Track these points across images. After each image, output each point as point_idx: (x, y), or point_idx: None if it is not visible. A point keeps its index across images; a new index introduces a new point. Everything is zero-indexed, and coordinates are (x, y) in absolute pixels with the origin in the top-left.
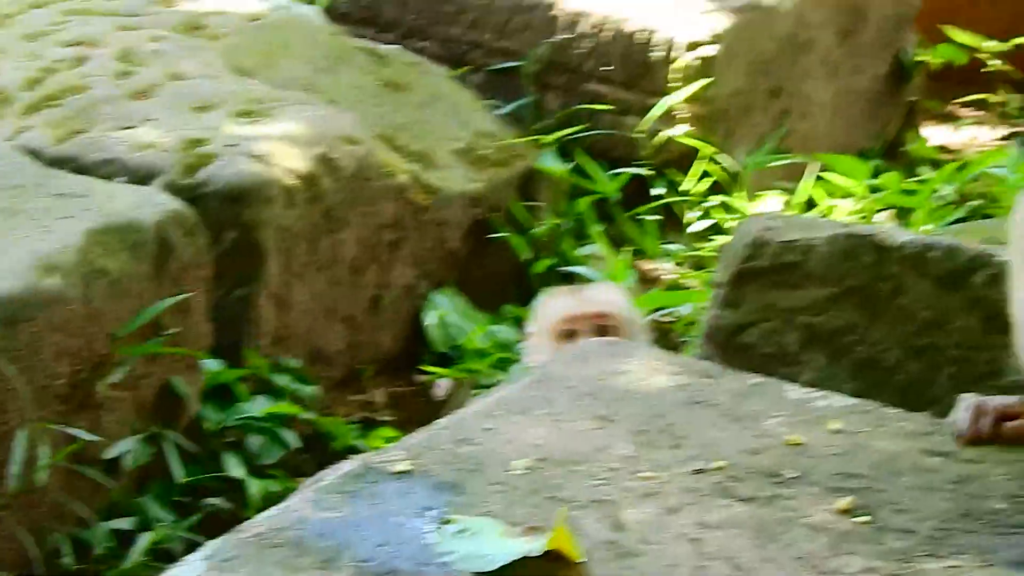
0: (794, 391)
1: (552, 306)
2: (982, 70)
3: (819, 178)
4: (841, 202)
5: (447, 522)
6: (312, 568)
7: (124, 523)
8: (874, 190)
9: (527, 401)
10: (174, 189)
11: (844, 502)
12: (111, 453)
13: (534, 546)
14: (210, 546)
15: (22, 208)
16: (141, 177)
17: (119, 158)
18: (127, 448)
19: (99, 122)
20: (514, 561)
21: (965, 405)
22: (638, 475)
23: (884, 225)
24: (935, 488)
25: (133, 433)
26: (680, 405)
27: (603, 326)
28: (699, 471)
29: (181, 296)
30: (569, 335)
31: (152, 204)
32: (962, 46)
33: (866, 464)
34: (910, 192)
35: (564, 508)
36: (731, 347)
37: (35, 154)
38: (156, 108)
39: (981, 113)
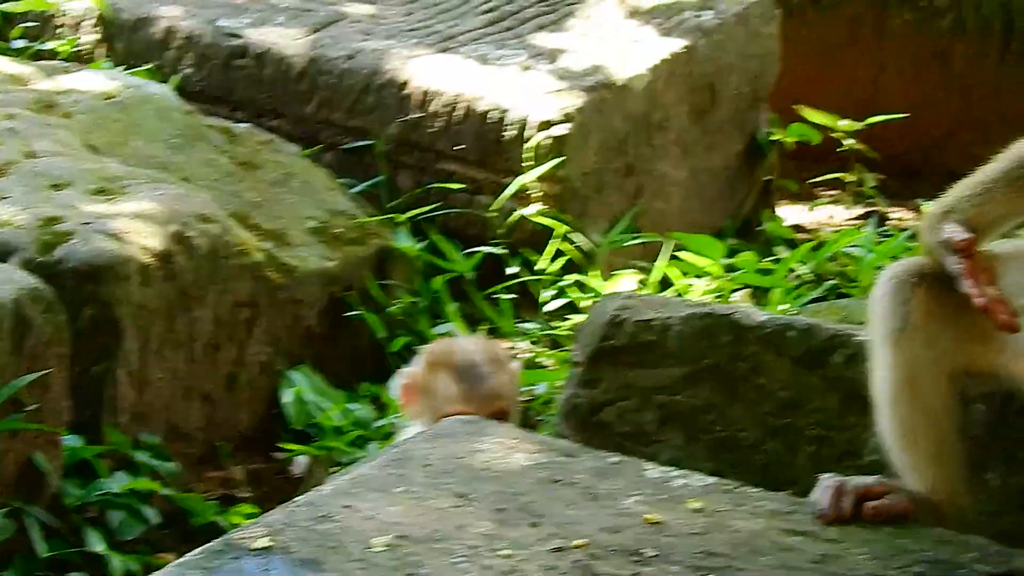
0: (653, 470)
1: (442, 387)
2: (837, 150)
3: (674, 257)
4: (697, 281)
5: None
6: None
7: None
8: (730, 269)
9: (385, 479)
10: (31, 266)
11: None
12: None
13: None
14: None
15: None
16: None
17: None
18: None
19: None
20: None
21: (825, 485)
22: (498, 553)
23: (741, 304)
24: (796, 567)
25: None
26: (539, 483)
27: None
28: (559, 549)
29: (40, 373)
30: (464, 369)
31: (9, 281)
32: (816, 125)
33: (727, 543)
34: (766, 271)
35: None
36: (589, 426)
37: None
38: (11, 185)
39: (836, 192)
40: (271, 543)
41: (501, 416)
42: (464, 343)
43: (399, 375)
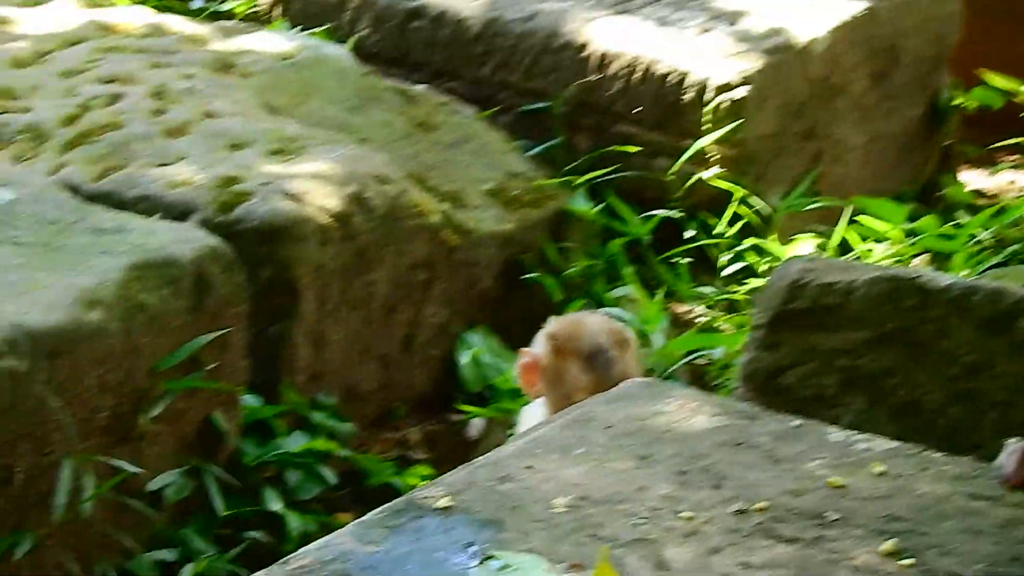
0: (836, 434)
1: (571, 376)
2: (1020, 115)
3: (853, 222)
4: (876, 246)
5: (489, 558)
6: None
7: (167, 554)
8: (910, 234)
9: (565, 440)
10: (210, 226)
11: (889, 545)
12: (154, 485)
13: None
14: None
15: (62, 244)
16: (177, 214)
17: (155, 195)
18: (169, 481)
19: (135, 159)
20: None
21: (1011, 450)
22: (680, 515)
23: (924, 269)
24: (981, 532)
25: (174, 467)
26: (720, 446)
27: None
28: (741, 512)
29: (219, 332)
30: (593, 357)
31: (190, 240)
32: (998, 90)
33: (910, 507)
34: (947, 236)
35: (606, 547)
36: (769, 389)
37: (74, 190)
38: (190, 145)
39: (1017, 157)
40: (452, 503)
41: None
42: (589, 324)
43: (521, 355)
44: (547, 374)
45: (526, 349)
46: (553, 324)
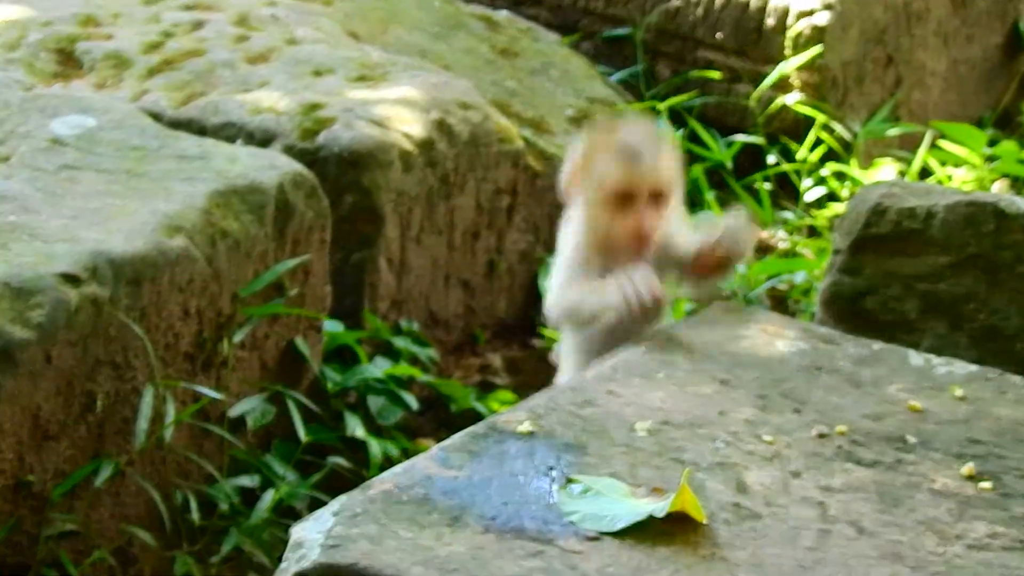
0: (916, 358)
1: (602, 167)
2: None
3: (934, 147)
4: (956, 171)
5: (571, 482)
6: (439, 525)
7: (248, 480)
8: (989, 159)
9: (648, 365)
10: (293, 153)
11: (968, 468)
12: (235, 412)
13: (658, 507)
14: (338, 502)
15: (145, 170)
16: (260, 140)
17: (238, 122)
18: (251, 407)
19: (218, 86)
20: (638, 521)
21: None
22: (761, 439)
23: (1004, 194)
24: None
25: (256, 392)
26: (801, 370)
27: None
28: (822, 435)
29: (302, 258)
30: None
31: (272, 167)
32: None
33: (989, 431)
34: None
35: (688, 470)
36: (850, 314)
37: (156, 117)
38: (273, 72)
39: None
40: (534, 428)
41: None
42: (628, 127)
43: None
44: (583, 171)
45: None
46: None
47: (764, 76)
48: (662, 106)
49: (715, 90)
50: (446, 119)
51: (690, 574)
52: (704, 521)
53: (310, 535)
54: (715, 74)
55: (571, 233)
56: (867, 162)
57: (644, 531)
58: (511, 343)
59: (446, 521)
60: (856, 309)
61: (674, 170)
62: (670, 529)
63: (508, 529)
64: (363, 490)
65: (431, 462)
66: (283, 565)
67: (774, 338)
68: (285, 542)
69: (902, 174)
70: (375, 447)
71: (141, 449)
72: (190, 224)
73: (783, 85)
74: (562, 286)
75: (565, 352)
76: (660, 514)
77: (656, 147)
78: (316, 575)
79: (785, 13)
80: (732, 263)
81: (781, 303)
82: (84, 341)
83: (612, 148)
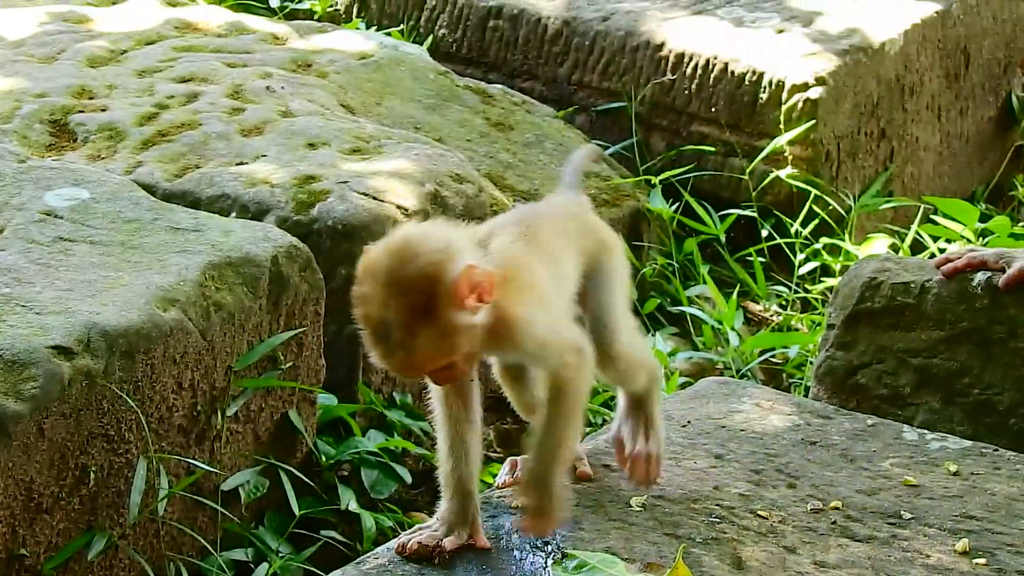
0: (910, 432)
1: None
2: None
3: (926, 221)
4: (950, 246)
5: (566, 557)
6: None
7: (242, 554)
8: (982, 234)
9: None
10: (287, 225)
11: (962, 544)
12: (229, 484)
13: None
14: None
15: (139, 242)
16: (254, 213)
17: (232, 194)
18: (244, 480)
19: (212, 158)
20: None
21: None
22: (755, 514)
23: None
24: None
25: (250, 465)
26: (796, 445)
27: None
28: (816, 511)
29: (296, 331)
30: None
31: (267, 239)
32: None
33: (984, 506)
34: (1018, 236)
35: (683, 545)
36: (844, 388)
37: (150, 189)
38: (268, 145)
39: None
40: None
41: None
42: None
43: None
44: None
45: None
46: None
47: (759, 150)
48: (656, 180)
49: (710, 163)
50: (440, 191)
51: None
52: None
53: None
54: (710, 148)
55: None
56: (861, 236)
57: None
58: (504, 416)
59: None
60: (850, 383)
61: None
62: None
63: None
64: (357, 565)
65: None
66: None
67: (768, 412)
68: None
69: (895, 248)
70: (369, 520)
71: (134, 522)
72: (184, 296)
73: (777, 159)
74: None
75: None
76: None
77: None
78: None
79: (780, 87)
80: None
81: (775, 377)
82: (77, 414)
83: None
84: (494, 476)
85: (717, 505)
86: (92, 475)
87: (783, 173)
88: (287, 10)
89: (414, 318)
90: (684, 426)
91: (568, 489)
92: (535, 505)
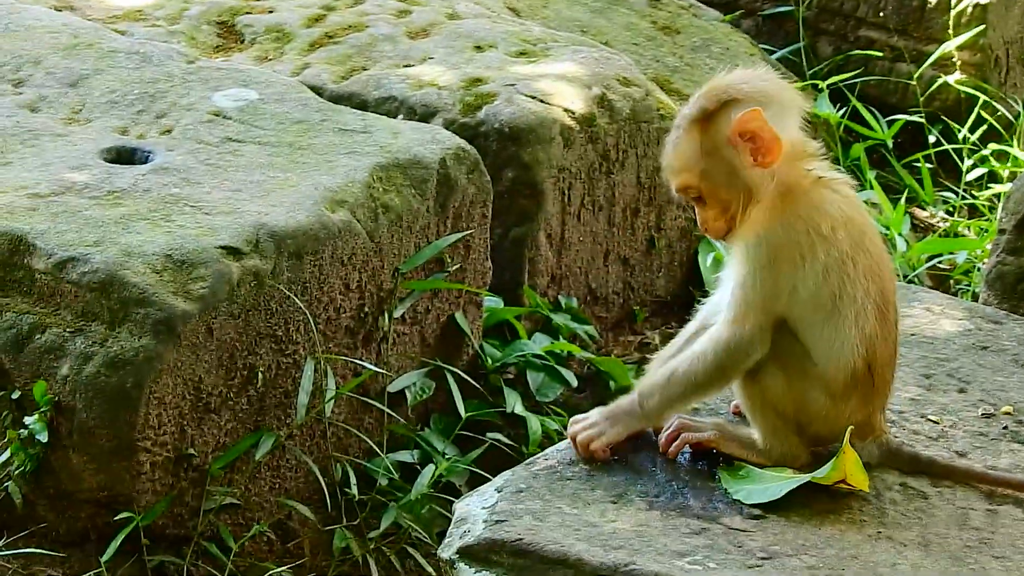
0: None
1: None
2: None
3: None
4: None
5: (734, 462)
6: (603, 501)
7: (408, 456)
8: None
9: None
10: (454, 127)
11: None
12: (395, 386)
13: (820, 472)
14: (502, 478)
15: (308, 143)
16: (421, 115)
17: (399, 96)
18: (410, 382)
19: (379, 60)
20: (803, 496)
21: None
22: (927, 419)
23: None
24: None
25: (416, 367)
26: (967, 350)
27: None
28: (987, 415)
29: (463, 233)
30: None
31: (435, 142)
32: None
33: None
34: None
35: (850, 427)
36: (1015, 293)
37: (317, 90)
38: (434, 47)
39: None
40: (697, 405)
41: None
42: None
43: None
44: None
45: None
46: None
47: (926, 55)
48: (823, 84)
49: (877, 69)
50: (607, 95)
51: (856, 552)
52: (867, 489)
53: (474, 510)
54: (877, 53)
55: None
56: None
57: (810, 508)
58: (670, 320)
59: (610, 498)
60: (1021, 288)
61: (698, 164)
62: (836, 507)
63: (672, 507)
64: (526, 466)
65: None
66: (447, 540)
67: (939, 317)
68: (444, 517)
69: None
70: (535, 423)
71: (301, 423)
72: (352, 198)
73: (945, 64)
74: None
75: None
76: (821, 475)
77: (676, 139)
78: (480, 550)
79: None
80: None
81: (942, 283)
82: (246, 314)
83: None
84: None
85: (888, 410)
86: (260, 375)
87: (951, 79)
88: None
89: (695, 115)
90: None
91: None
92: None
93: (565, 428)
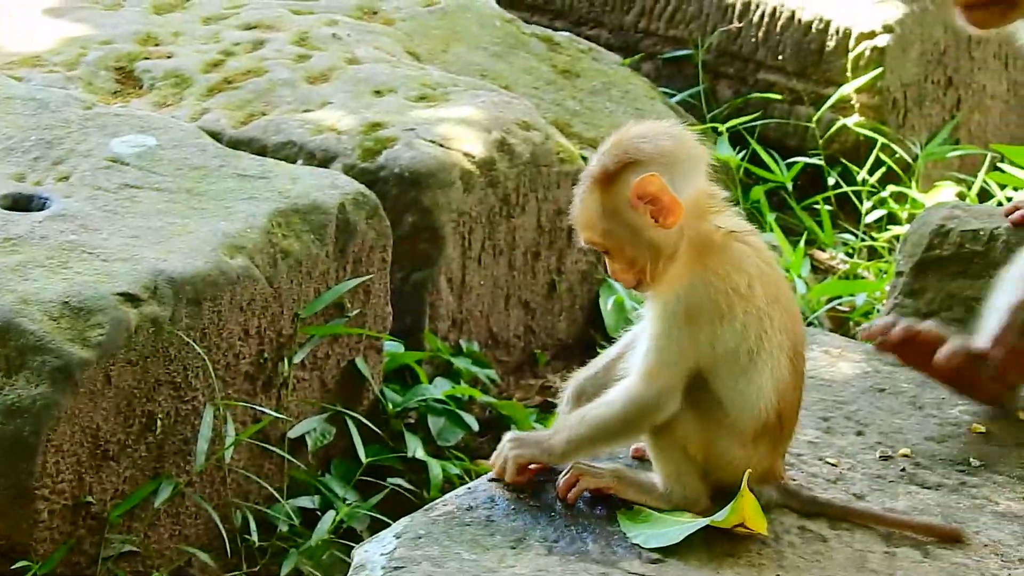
0: None
1: None
2: None
3: (994, 169)
4: (1017, 194)
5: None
6: (502, 547)
7: (308, 501)
8: None
9: None
10: (354, 172)
11: None
12: (296, 432)
13: (719, 515)
14: (401, 524)
15: (206, 189)
16: (321, 160)
17: (299, 141)
18: (310, 427)
19: (278, 105)
20: (703, 540)
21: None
22: (824, 460)
23: None
24: None
25: (316, 413)
26: (864, 392)
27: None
28: (885, 457)
29: (363, 279)
30: None
31: (334, 187)
32: None
33: None
34: None
35: (748, 471)
36: None
37: (216, 136)
38: (334, 92)
39: None
40: None
41: None
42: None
43: None
44: None
45: None
46: None
47: (825, 98)
48: (723, 127)
49: (776, 111)
50: (507, 139)
51: None
52: (765, 532)
53: (373, 557)
54: (776, 96)
55: None
56: (927, 184)
57: (709, 552)
58: (571, 363)
59: (509, 543)
60: None
61: (601, 223)
62: (735, 550)
63: (572, 551)
64: (425, 512)
65: (493, 484)
66: None
67: (837, 360)
68: (345, 563)
69: (962, 196)
70: (436, 468)
71: (201, 469)
72: (251, 243)
73: (844, 107)
74: None
75: None
76: (720, 519)
77: (581, 197)
78: None
79: (846, 35)
80: None
81: (842, 325)
82: (144, 361)
83: None
84: None
85: (787, 452)
86: (159, 422)
87: (850, 121)
88: None
89: (596, 175)
90: None
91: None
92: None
93: (467, 472)
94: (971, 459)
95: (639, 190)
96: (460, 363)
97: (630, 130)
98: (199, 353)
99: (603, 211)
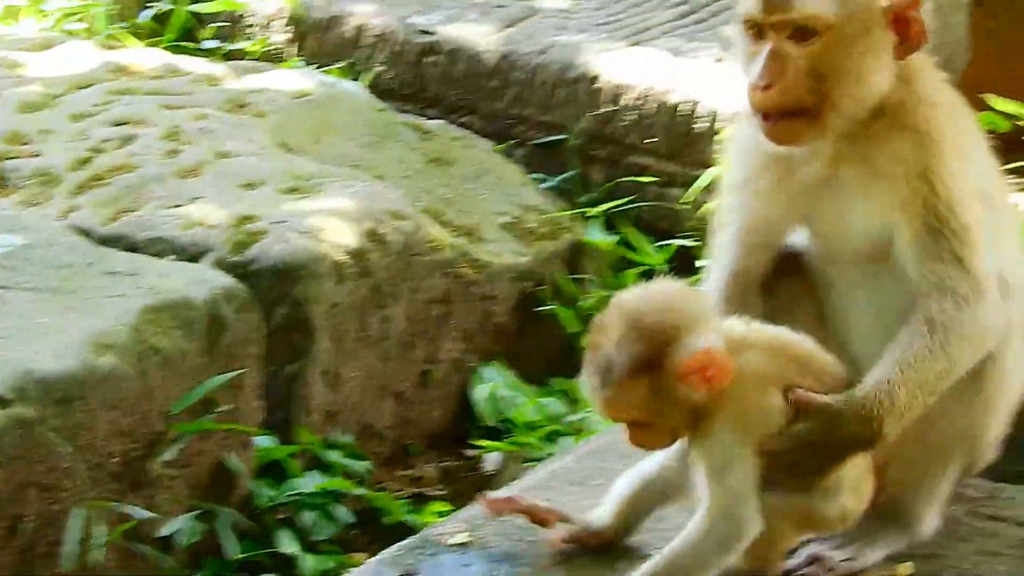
0: None
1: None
2: None
3: None
4: None
5: None
6: None
7: None
8: None
9: (583, 472)
10: (224, 266)
11: None
12: (165, 531)
13: None
14: None
15: (75, 287)
16: (191, 255)
17: (169, 236)
18: (181, 526)
19: (148, 201)
20: None
21: None
22: None
23: None
24: None
25: (187, 511)
26: None
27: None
28: None
29: (233, 373)
30: None
31: (203, 281)
32: (1004, 114)
33: None
34: None
35: None
36: None
37: (85, 233)
38: (204, 186)
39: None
40: (469, 538)
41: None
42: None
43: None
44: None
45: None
46: None
47: (696, 179)
48: (594, 211)
49: (648, 194)
50: (378, 229)
51: None
52: None
53: None
54: (648, 178)
55: None
56: None
57: None
58: (445, 454)
59: None
60: None
61: (649, 405)
62: None
63: None
64: None
65: None
66: None
67: None
68: None
69: None
70: (308, 562)
71: (69, 572)
72: (120, 341)
73: (715, 188)
74: None
75: None
76: None
77: (619, 382)
78: None
79: (714, 117)
80: None
81: None
82: (11, 463)
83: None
84: (438, 515)
85: (659, 538)
86: (27, 525)
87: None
88: (223, 51)
89: (637, 365)
90: (624, 457)
91: None
92: None
93: (341, 565)
94: None
95: (694, 364)
96: (333, 456)
97: (636, 305)
98: (67, 454)
99: (652, 394)
